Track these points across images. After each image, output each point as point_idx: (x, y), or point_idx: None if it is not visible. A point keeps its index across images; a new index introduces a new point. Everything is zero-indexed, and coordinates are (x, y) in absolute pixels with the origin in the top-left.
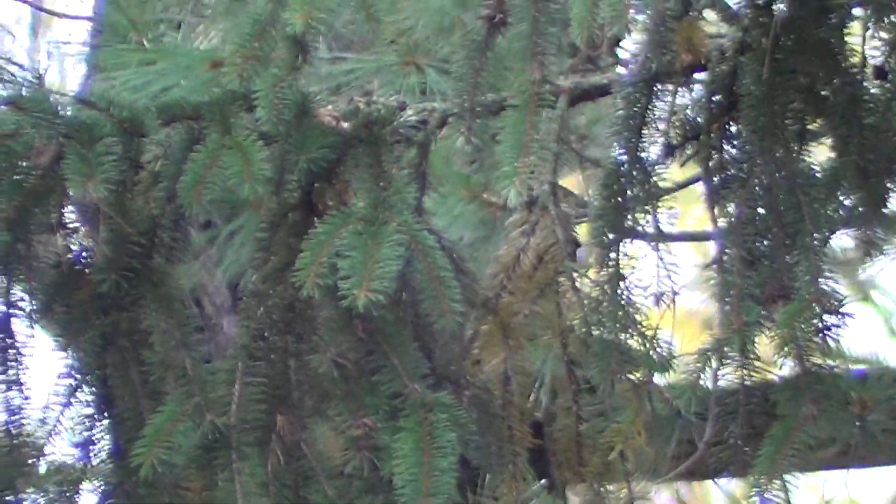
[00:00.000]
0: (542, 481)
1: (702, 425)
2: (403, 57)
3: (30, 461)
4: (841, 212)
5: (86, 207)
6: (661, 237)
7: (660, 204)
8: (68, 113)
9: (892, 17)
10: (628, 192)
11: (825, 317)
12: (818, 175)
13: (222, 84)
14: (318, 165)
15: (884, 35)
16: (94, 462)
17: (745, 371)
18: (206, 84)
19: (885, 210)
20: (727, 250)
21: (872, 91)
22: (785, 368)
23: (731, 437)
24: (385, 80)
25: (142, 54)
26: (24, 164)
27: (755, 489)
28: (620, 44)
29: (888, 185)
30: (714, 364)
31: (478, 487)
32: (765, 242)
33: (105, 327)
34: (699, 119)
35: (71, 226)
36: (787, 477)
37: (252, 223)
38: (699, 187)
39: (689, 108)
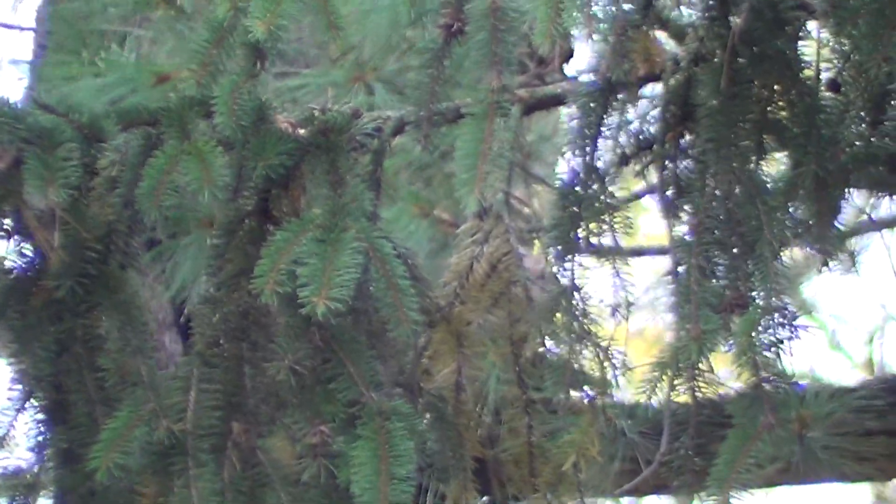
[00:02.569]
0: (485, 498)
1: (646, 444)
2: (352, 73)
3: None
4: (793, 224)
5: (41, 213)
6: (616, 248)
7: (615, 214)
8: (28, 118)
9: (850, 30)
10: (583, 202)
11: (777, 330)
12: (775, 185)
13: (170, 98)
14: (275, 172)
15: (839, 47)
16: (48, 467)
17: (696, 383)
18: (152, 99)
19: (838, 221)
20: (684, 260)
21: (827, 103)
22: (738, 381)
23: (681, 449)
24: (334, 95)
25: (88, 66)
26: None
27: (711, 498)
28: (569, 61)
29: (843, 196)
30: (669, 375)
31: (426, 497)
32: (721, 253)
33: (59, 333)
34: (653, 129)
35: (26, 231)
36: (739, 490)
37: (200, 240)
38: (654, 198)
39: (644, 118)
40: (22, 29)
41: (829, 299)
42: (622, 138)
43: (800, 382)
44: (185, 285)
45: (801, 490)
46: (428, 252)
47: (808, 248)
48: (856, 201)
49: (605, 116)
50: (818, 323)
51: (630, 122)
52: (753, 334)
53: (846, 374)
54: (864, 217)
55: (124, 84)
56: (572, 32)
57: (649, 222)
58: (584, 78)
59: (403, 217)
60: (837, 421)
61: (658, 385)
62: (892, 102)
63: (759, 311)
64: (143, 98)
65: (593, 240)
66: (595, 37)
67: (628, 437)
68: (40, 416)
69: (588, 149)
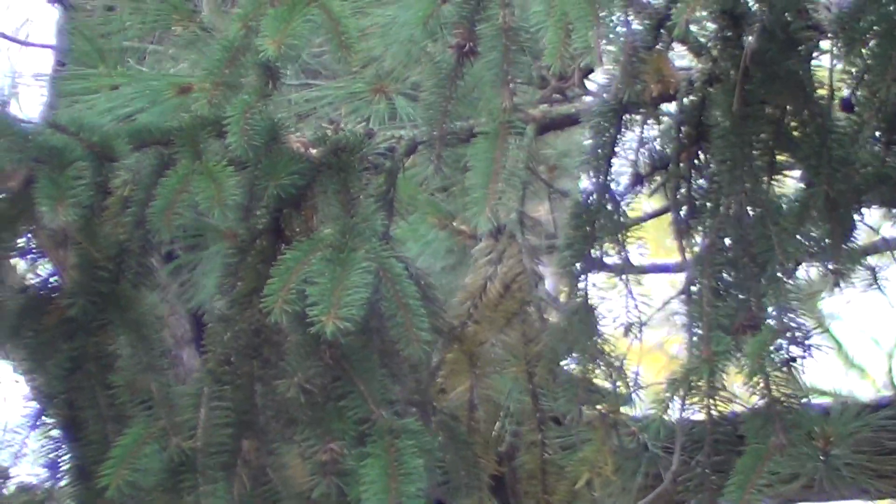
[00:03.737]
0: None
1: (668, 459)
2: (372, 84)
3: None
4: (808, 243)
5: (54, 232)
6: (629, 268)
7: (629, 234)
8: (39, 137)
9: (862, 50)
10: (597, 223)
11: (791, 348)
12: (787, 206)
13: (190, 110)
14: (287, 192)
15: (850, 68)
16: (61, 484)
17: (711, 401)
18: (173, 110)
19: (851, 241)
20: (696, 280)
21: (841, 123)
22: (752, 399)
23: (697, 466)
24: (354, 107)
25: (108, 79)
26: None
27: None
28: (590, 76)
29: (855, 216)
30: (681, 394)
31: None
32: (733, 273)
33: (72, 351)
34: (667, 149)
35: (40, 250)
36: None
37: (222, 253)
38: (668, 218)
39: (658, 138)
40: (42, 46)
41: (849, 317)
42: (636, 158)
43: (823, 400)
44: (207, 299)
45: None
46: (445, 264)
47: (822, 267)
48: (869, 220)
49: (618, 136)
50: (836, 341)
51: (644, 143)
52: (764, 354)
53: (864, 391)
54: (878, 237)
55: (144, 96)
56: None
57: (663, 240)
58: (597, 98)
59: (422, 227)
60: (859, 439)
61: (670, 403)
62: None
63: (770, 331)
64: (164, 109)
65: (607, 259)
66: (605, 58)
67: (650, 451)
68: (53, 433)
69: (602, 168)
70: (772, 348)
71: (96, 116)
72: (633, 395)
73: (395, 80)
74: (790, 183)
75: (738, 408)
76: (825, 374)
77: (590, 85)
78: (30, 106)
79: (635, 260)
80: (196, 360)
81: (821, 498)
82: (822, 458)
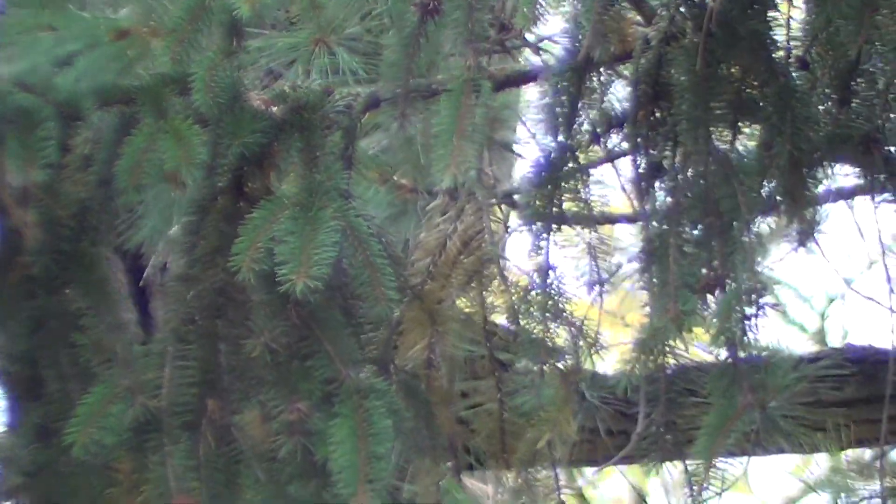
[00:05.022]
0: (448, 464)
1: (605, 410)
2: (313, 36)
3: None
4: (766, 201)
5: (14, 190)
6: (591, 221)
7: (590, 190)
8: (8, 98)
9: (830, 12)
10: (558, 179)
11: (745, 307)
12: (749, 164)
13: (127, 56)
14: (250, 150)
15: (806, 27)
16: (21, 443)
17: (667, 359)
18: (110, 55)
19: (809, 199)
20: (661, 239)
21: (800, 83)
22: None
23: (653, 425)
24: (296, 58)
25: (45, 19)
26: None
27: (693, 478)
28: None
29: (816, 174)
30: (647, 355)
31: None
32: (698, 231)
33: (34, 310)
34: (625, 108)
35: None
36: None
37: (163, 195)
38: (626, 175)
39: (616, 96)
40: None
41: (785, 271)
42: (594, 116)
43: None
44: (148, 242)
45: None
46: (387, 218)
47: (784, 226)
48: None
49: (577, 95)
50: (776, 297)
51: (602, 101)
52: (731, 313)
53: (800, 344)
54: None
55: (81, 39)
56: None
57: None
58: (555, 50)
59: (362, 182)
60: (796, 392)
61: (636, 365)
62: (859, 80)
63: (737, 290)
64: (100, 54)
65: (568, 215)
66: (572, 17)
67: (588, 401)
68: (14, 392)
69: (560, 126)
70: (737, 307)
71: (31, 59)
72: (593, 356)
73: (336, 31)
74: (749, 142)
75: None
76: (767, 329)
77: (529, 37)
78: None
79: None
80: (132, 313)
81: (757, 451)
82: (759, 410)
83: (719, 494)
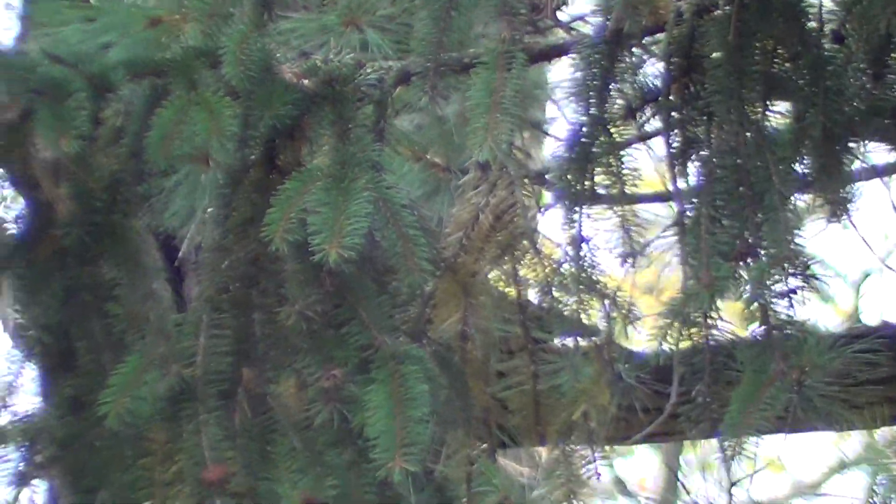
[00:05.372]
0: (483, 445)
1: (642, 390)
2: (344, 16)
3: None
4: (800, 175)
5: (47, 163)
6: (624, 197)
7: (623, 164)
8: (39, 69)
9: None
10: (589, 154)
11: (790, 280)
12: (782, 136)
13: (160, 43)
14: (282, 122)
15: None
16: (55, 415)
17: (709, 330)
18: (142, 42)
19: (843, 173)
20: (693, 209)
21: (833, 55)
22: (748, 329)
23: (698, 396)
24: (326, 39)
25: (81, 10)
26: None
27: (724, 449)
28: (562, 7)
29: (849, 147)
30: (680, 322)
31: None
32: (730, 202)
33: (67, 281)
34: (658, 81)
35: (33, 181)
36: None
37: (194, 177)
38: (660, 150)
39: (649, 70)
40: None
41: (820, 248)
42: (627, 90)
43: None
44: (179, 224)
45: (797, 438)
46: (420, 196)
47: (818, 198)
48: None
49: (610, 68)
50: (813, 270)
51: (635, 75)
52: (764, 282)
53: (835, 322)
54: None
55: (115, 28)
56: None
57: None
58: (587, 29)
59: (396, 160)
60: (832, 370)
61: (669, 333)
62: (893, 55)
63: (769, 259)
64: (133, 42)
65: (600, 190)
66: None
67: (624, 381)
68: (47, 364)
69: (592, 101)
70: (771, 275)
71: (68, 49)
72: (627, 328)
73: (367, 12)
74: (783, 115)
75: (733, 337)
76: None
77: (561, 16)
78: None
79: (629, 190)
80: (167, 291)
81: (793, 429)
82: (796, 389)
83: (754, 474)
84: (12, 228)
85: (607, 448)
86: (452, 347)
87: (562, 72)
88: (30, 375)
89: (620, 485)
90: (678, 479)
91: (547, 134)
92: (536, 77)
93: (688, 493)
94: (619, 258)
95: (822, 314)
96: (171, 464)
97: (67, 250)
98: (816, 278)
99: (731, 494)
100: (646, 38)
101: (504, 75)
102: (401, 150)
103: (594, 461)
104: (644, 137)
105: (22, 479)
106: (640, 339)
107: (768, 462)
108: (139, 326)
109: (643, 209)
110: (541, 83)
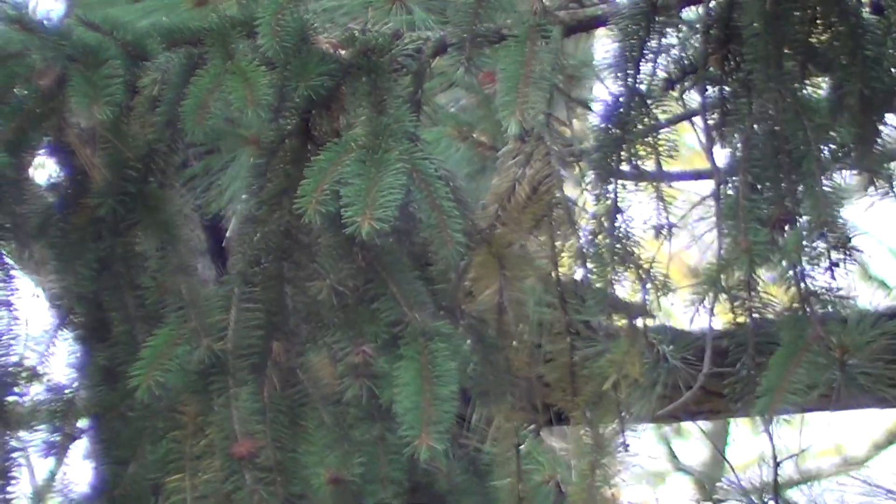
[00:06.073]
0: (531, 426)
1: (687, 370)
2: None
3: (22, 382)
4: (837, 145)
5: (82, 131)
6: (659, 171)
7: (659, 137)
8: (73, 35)
9: None
10: (626, 125)
11: (833, 253)
12: (820, 104)
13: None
14: (317, 93)
15: None
16: (87, 385)
17: (751, 302)
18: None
19: (880, 143)
20: (731, 177)
21: (871, 24)
22: (785, 297)
23: (743, 369)
24: (372, 16)
25: None
26: (23, 85)
27: (762, 414)
28: None
29: (886, 117)
30: (716, 291)
31: (469, 420)
32: (768, 170)
33: (100, 251)
34: (696, 52)
35: (67, 149)
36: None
37: (246, 159)
38: (697, 121)
39: (687, 41)
40: None
41: (866, 224)
42: (665, 62)
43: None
44: (230, 206)
45: (840, 416)
46: (466, 175)
47: (853, 169)
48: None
49: (647, 39)
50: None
51: (672, 46)
52: (802, 248)
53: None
54: None
55: (162, 8)
56: None
57: (690, 146)
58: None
59: (443, 140)
60: (875, 348)
61: (703, 304)
62: None
63: (807, 225)
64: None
65: (636, 163)
66: None
67: (670, 362)
68: (80, 334)
69: (630, 72)
70: (810, 247)
71: None
72: (661, 300)
73: None
74: (821, 84)
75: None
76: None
77: None
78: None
79: (665, 163)
80: (211, 271)
81: (837, 407)
82: (839, 367)
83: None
84: (48, 196)
85: (656, 427)
86: (486, 320)
87: (606, 49)
88: (64, 345)
89: (674, 460)
90: (724, 457)
91: (592, 111)
92: (583, 55)
93: (733, 470)
94: (654, 230)
95: (867, 291)
96: (201, 437)
97: (102, 220)
98: (858, 250)
99: (776, 472)
100: (684, 10)
101: (535, 48)
102: (448, 130)
103: (622, 432)
104: (683, 118)
105: (55, 450)
106: (675, 311)
107: (814, 440)
108: (171, 298)
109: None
110: (588, 62)
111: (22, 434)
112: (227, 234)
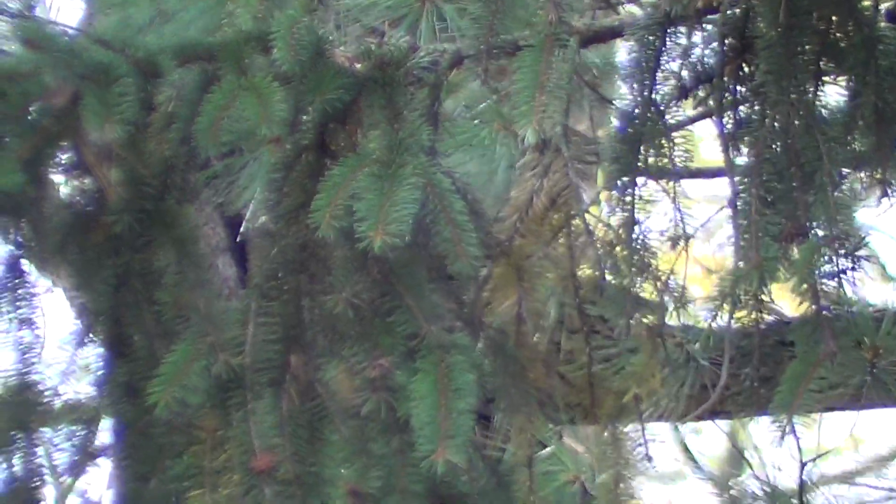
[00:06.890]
0: (556, 427)
1: (714, 370)
2: None
3: (44, 400)
4: (852, 154)
5: (99, 149)
6: (676, 177)
7: (675, 145)
8: (85, 53)
9: None
10: (642, 133)
11: (840, 261)
12: (833, 116)
13: (227, 10)
14: (333, 106)
15: None
16: (108, 401)
17: (759, 313)
18: (211, 10)
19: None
20: (743, 190)
21: (886, 34)
22: (800, 309)
23: (746, 380)
24: (402, 16)
25: None
26: (39, 104)
27: (776, 426)
28: None
29: None
30: (730, 303)
31: (490, 430)
32: (780, 183)
33: (118, 268)
34: (712, 62)
35: (84, 166)
36: (802, 416)
37: (264, 159)
38: (712, 129)
39: (702, 50)
40: None
41: (885, 228)
42: (680, 71)
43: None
44: (248, 204)
45: (870, 415)
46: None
47: (868, 177)
48: None
49: (663, 49)
50: (870, 249)
51: (688, 55)
52: (813, 262)
53: None
54: None
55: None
56: None
57: (705, 149)
58: (642, 10)
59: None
60: None
61: (718, 313)
62: None
63: (819, 239)
64: (203, 7)
65: (652, 169)
66: None
67: (697, 362)
68: (100, 350)
69: (646, 81)
70: (821, 256)
71: (134, 31)
72: (679, 309)
73: None
74: (835, 94)
75: (785, 319)
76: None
77: None
78: (69, 14)
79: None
80: (231, 268)
81: (865, 408)
82: (870, 369)
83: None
84: (66, 214)
85: (677, 425)
86: (506, 331)
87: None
88: (82, 362)
89: (692, 461)
90: (743, 456)
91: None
92: (608, 54)
93: (752, 468)
94: (670, 241)
95: (886, 293)
96: (220, 452)
97: (119, 237)
98: (867, 259)
99: (801, 474)
100: (700, 19)
101: (550, 58)
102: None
103: (644, 443)
104: (696, 120)
105: (78, 467)
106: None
107: (839, 441)
108: (188, 314)
109: (695, 190)
110: (612, 60)
111: (46, 451)
112: (242, 230)
